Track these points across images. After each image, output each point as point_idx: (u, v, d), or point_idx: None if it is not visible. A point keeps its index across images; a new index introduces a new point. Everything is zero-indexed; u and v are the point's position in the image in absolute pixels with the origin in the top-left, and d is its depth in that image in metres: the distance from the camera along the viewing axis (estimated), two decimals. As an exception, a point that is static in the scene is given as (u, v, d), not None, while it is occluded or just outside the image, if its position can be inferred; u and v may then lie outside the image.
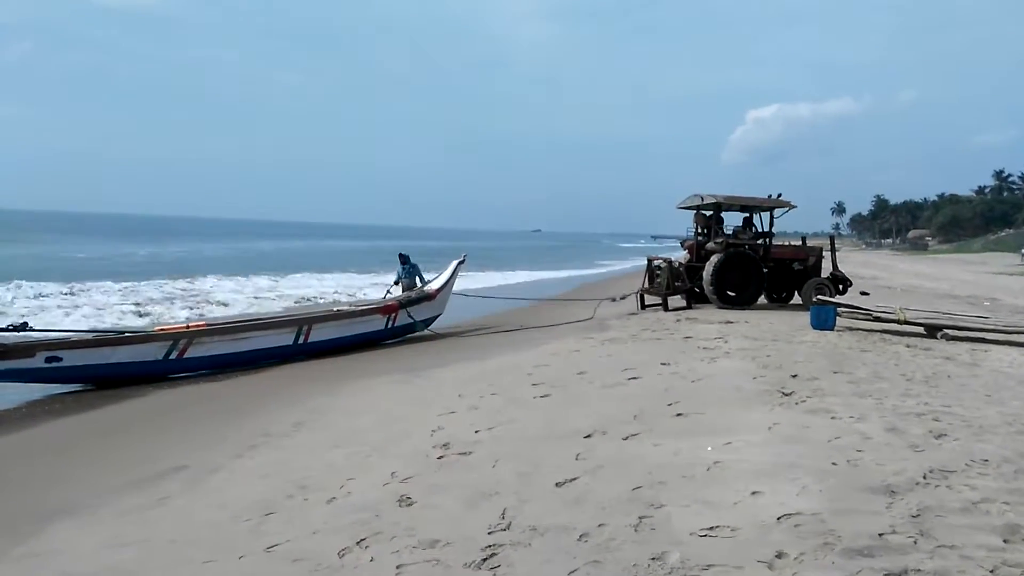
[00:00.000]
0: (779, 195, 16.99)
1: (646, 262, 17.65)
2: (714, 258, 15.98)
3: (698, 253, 16.90)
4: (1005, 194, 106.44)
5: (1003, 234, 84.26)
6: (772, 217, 17.13)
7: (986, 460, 4.93)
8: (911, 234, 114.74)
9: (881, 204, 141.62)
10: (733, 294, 16.12)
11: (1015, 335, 11.85)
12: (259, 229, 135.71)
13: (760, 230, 17.45)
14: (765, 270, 16.46)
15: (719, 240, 16.42)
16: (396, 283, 15.62)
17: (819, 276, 16.89)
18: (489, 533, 4.00)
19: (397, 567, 3.67)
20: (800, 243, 18.38)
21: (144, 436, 7.46)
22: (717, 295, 15.92)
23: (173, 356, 10.48)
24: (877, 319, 12.49)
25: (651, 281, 16.98)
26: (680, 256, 17.98)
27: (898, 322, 12.20)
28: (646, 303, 16.69)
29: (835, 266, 17.06)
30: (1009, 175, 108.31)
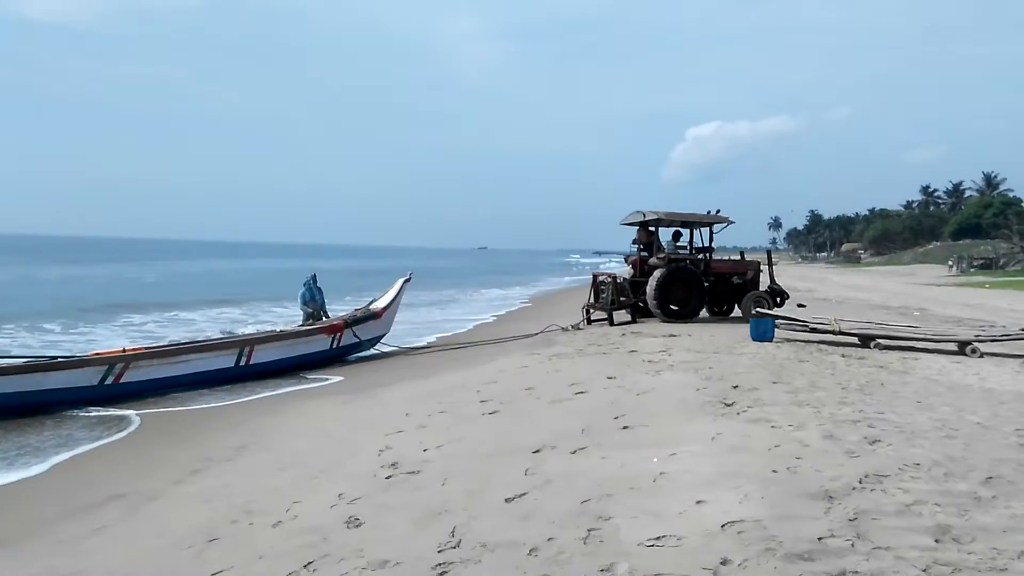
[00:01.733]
0: (718, 211, 17.42)
1: (591, 278, 17.85)
2: (657, 273, 16.27)
3: (641, 268, 17.18)
4: (932, 208, 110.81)
5: (931, 247, 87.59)
6: (712, 232, 17.54)
7: (918, 464, 5.11)
8: (844, 247, 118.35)
9: (815, 219, 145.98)
10: (676, 308, 16.41)
11: (943, 343, 12.35)
12: (203, 249, 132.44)
13: (695, 245, 17.80)
14: (706, 284, 16.81)
15: (661, 256, 16.72)
16: (304, 305, 14.55)
17: (757, 289, 17.32)
18: (439, 551, 3.99)
19: (346, 589, 3.63)
20: (739, 257, 18.82)
21: (79, 464, 7.20)
22: (661, 309, 16.19)
23: (109, 381, 10.17)
24: (814, 330, 12.87)
25: (596, 296, 17.20)
26: (624, 271, 18.23)
27: (833, 333, 12.59)
28: (592, 318, 16.87)
29: (772, 279, 17.52)
30: (935, 190, 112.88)
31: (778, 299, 16.89)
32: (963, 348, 11.89)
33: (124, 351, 10.89)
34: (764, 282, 17.74)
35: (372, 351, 14.35)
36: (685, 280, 16.43)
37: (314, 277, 14.71)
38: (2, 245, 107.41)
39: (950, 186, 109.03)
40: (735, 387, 8.07)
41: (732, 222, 17.46)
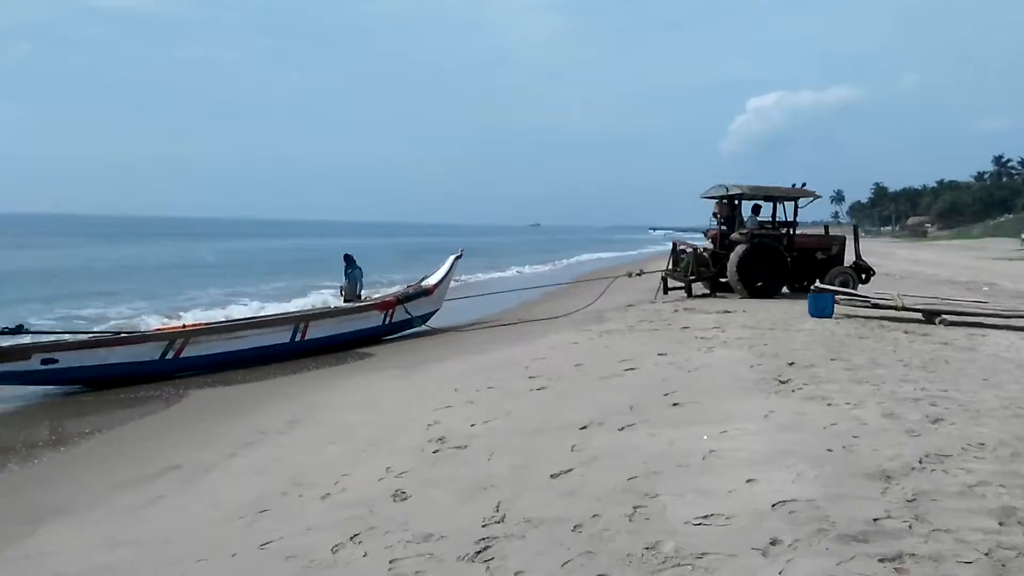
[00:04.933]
0: (803, 184, 16.92)
1: (671, 245, 17.73)
2: (739, 248, 15.92)
3: (722, 242, 16.89)
4: (1004, 179, 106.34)
5: (1002, 219, 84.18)
6: (796, 206, 17.09)
7: (983, 444, 4.90)
8: (910, 221, 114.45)
9: (880, 191, 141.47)
10: (758, 284, 16.03)
11: (1013, 319, 11.82)
12: (268, 228, 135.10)
13: (778, 219, 17.31)
14: (789, 260, 16.38)
15: (744, 231, 16.39)
16: (341, 290, 14.52)
17: (842, 265, 16.77)
18: (483, 526, 3.98)
19: (390, 562, 3.65)
20: (823, 232, 18.36)
21: (138, 436, 7.46)
22: (742, 284, 15.86)
23: (170, 356, 10.47)
24: (875, 306, 12.45)
25: (675, 265, 17.04)
26: (703, 244, 17.97)
27: (896, 308, 12.15)
28: (669, 287, 16.75)
29: (858, 255, 16.81)
30: (1008, 160, 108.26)
31: (863, 275, 16.31)
32: (1035, 324, 11.37)
33: (184, 327, 11.19)
34: (849, 258, 17.16)
35: (424, 327, 14.46)
36: (768, 256, 16.02)
37: (348, 257, 14.50)
38: (71, 226, 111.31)
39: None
40: (791, 364, 7.87)
41: (818, 196, 16.96)
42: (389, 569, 3.58)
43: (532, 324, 14.32)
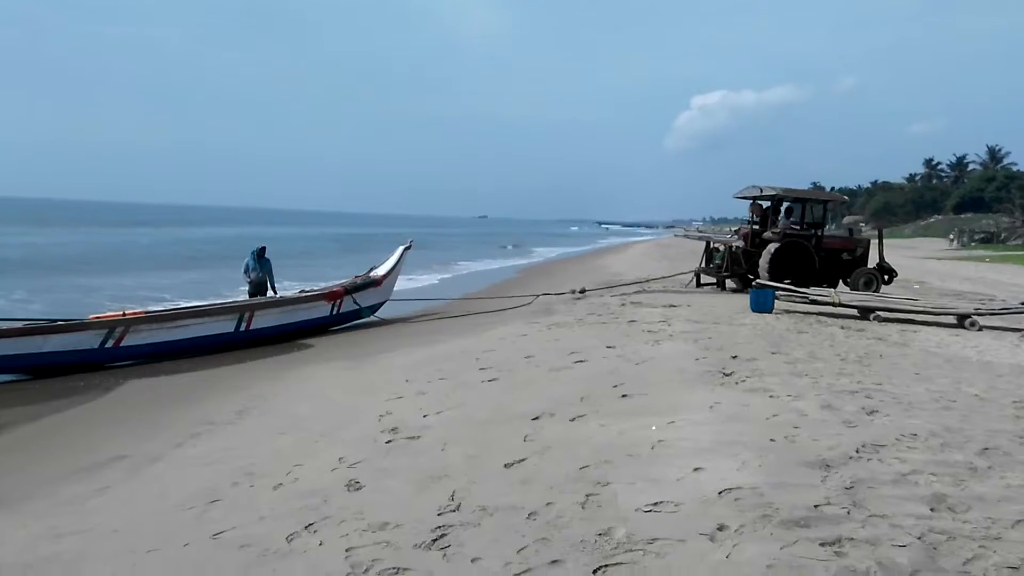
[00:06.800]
0: (832, 189, 17.54)
1: (705, 244, 18.67)
2: (771, 246, 16.51)
3: (753, 240, 17.34)
4: (934, 181, 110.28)
5: (932, 220, 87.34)
6: (825, 210, 17.89)
7: (915, 434, 5.15)
8: (845, 220, 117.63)
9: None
10: (788, 281, 16.39)
11: (942, 316, 12.38)
12: (209, 215, 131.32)
13: (803, 220, 17.75)
14: (817, 259, 16.79)
15: (776, 230, 16.84)
16: (245, 274, 13.70)
17: (866, 266, 17.24)
18: (439, 514, 4.02)
19: (347, 550, 3.66)
20: (847, 234, 18.98)
21: (79, 426, 7.24)
22: (772, 281, 16.26)
23: (109, 345, 10.19)
24: (813, 302, 12.89)
25: (708, 261, 17.96)
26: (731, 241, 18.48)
27: (833, 305, 12.61)
28: (701, 282, 17.92)
29: (882, 256, 17.28)
30: (938, 163, 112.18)
31: (886, 276, 16.82)
32: (962, 321, 11.92)
33: (124, 315, 10.89)
34: (873, 259, 17.63)
35: (372, 318, 14.37)
36: (798, 255, 16.59)
37: (262, 249, 13.84)
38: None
39: (953, 159, 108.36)
40: (734, 357, 8.09)
41: (846, 200, 17.67)
42: (346, 557, 3.59)
43: (481, 316, 14.36)
